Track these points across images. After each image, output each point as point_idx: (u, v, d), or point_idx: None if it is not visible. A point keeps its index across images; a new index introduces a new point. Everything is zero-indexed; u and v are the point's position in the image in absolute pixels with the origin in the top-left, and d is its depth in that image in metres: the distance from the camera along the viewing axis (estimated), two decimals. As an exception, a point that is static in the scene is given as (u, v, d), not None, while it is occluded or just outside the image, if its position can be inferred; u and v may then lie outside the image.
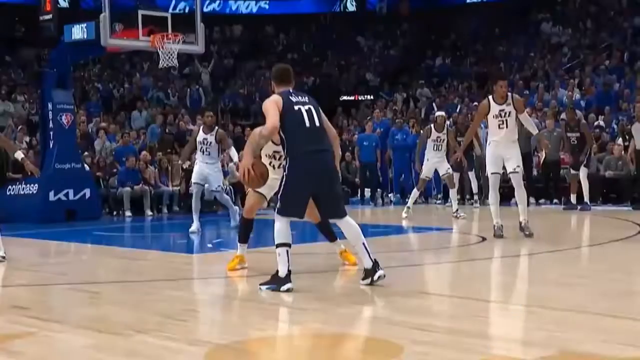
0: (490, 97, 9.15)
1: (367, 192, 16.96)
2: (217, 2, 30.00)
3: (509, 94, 9.16)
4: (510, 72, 22.77)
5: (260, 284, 5.86)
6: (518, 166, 9.04)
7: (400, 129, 16.93)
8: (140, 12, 13.07)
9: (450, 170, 12.66)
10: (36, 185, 13.04)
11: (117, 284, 6.89)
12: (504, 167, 9.23)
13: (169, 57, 13.09)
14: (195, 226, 10.60)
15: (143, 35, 12.96)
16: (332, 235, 7.06)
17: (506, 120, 8.94)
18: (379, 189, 16.88)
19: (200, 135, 10.82)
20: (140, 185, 14.75)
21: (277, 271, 5.77)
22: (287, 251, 5.77)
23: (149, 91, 23.39)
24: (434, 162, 12.52)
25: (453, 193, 12.89)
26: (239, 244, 6.98)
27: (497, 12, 28.15)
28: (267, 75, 27.75)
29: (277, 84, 6.10)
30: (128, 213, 14.41)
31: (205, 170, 10.73)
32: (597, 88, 20.14)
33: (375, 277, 5.87)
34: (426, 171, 12.64)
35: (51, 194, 13.03)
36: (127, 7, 14.08)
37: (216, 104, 23.20)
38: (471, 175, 14.96)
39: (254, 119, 23.94)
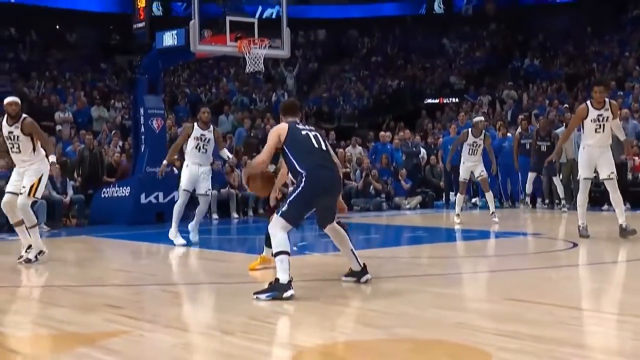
0: (588, 102, 9.28)
1: (452, 195, 16.75)
2: (303, 7, 30.26)
3: (607, 99, 9.26)
4: (602, 73, 22.07)
5: (256, 293, 5.74)
6: (612, 172, 9.09)
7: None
8: (228, 19, 13.31)
9: (485, 173, 12.63)
10: (128, 188, 13.47)
11: (204, 285, 7.05)
12: (595, 172, 9.23)
13: (256, 62, 13.27)
14: (180, 240, 9.93)
15: (230, 41, 13.20)
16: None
17: (603, 125, 9.07)
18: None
19: (197, 131, 10.05)
20: (227, 188, 15.04)
21: (277, 279, 5.73)
22: (288, 259, 5.79)
23: (235, 95, 23.83)
24: (469, 165, 12.53)
25: (489, 196, 12.79)
26: (265, 247, 7.15)
27: (588, 10, 27.35)
28: (353, 79, 27.87)
29: (284, 116, 6.40)
30: (215, 216, 14.69)
31: (196, 173, 9.98)
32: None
33: (363, 279, 6.24)
34: (463, 174, 12.66)
35: (142, 196, 13.40)
36: (216, 14, 14.36)
37: (300, 107, 23.41)
38: (556, 180, 14.61)
39: (337, 122, 24.05)
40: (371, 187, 16.61)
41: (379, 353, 4.37)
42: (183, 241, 9.89)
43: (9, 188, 8.68)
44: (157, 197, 13.43)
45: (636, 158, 14.54)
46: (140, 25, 14.01)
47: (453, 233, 11.93)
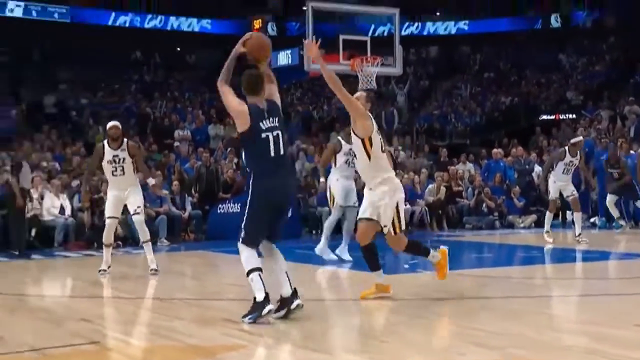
0: None
1: (568, 214, 16.24)
2: (415, 24, 30.25)
3: None
4: None
5: (242, 317, 5.65)
6: None
7: (605, 149, 16.11)
8: (342, 37, 13.60)
9: (576, 193, 12.29)
10: (241, 204, 13.82)
11: (319, 302, 7.14)
12: None
13: (368, 80, 13.45)
14: (331, 256, 9.86)
15: (343, 59, 13.45)
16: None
17: None
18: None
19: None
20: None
21: (254, 298, 5.60)
22: (260, 275, 5.63)
23: (346, 113, 24.04)
24: (560, 184, 12.17)
25: (577, 217, 12.37)
26: (374, 274, 6.70)
27: None
28: (465, 95, 27.57)
29: (247, 94, 5.89)
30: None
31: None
32: None
33: (293, 306, 5.70)
34: (553, 193, 12.31)
35: None
36: (329, 33, 14.65)
37: (411, 124, 23.39)
38: None
39: (449, 139, 23.83)
40: (484, 205, 16.36)
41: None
42: (334, 257, 9.91)
43: (111, 213, 9.02)
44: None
45: None
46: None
47: (570, 253, 11.57)
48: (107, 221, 9.03)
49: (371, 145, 6.40)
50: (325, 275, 9.38)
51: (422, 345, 5.19)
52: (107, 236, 9.02)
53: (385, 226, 6.40)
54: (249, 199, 5.71)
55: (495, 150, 18.56)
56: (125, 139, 9.12)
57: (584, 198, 14.62)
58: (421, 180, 16.57)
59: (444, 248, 6.92)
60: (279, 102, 5.97)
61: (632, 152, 15.87)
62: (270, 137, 5.70)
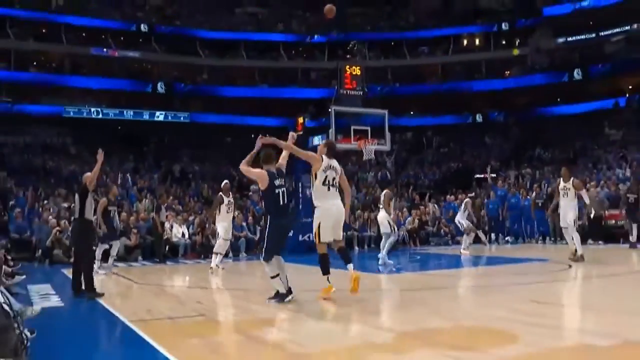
0: None
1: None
2: (398, 119, 30.31)
3: None
4: None
5: (268, 299, 5.51)
6: None
7: (513, 195, 15.98)
8: (353, 127, 13.92)
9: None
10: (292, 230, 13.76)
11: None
12: None
13: (369, 153, 13.79)
14: (389, 262, 9.01)
15: (354, 141, 13.77)
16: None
17: None
18: None
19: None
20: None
21: (278, 291, 5.51)
22: (280, 278, 5.48)
23: (356, 173, 24.20)
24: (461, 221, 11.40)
25: (465, 238, 11.76)
26: (325, 277, 5.65)
27: None
28: (429, 162, 27.43)
29: (264, 164, 5.63)
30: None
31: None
32: None
33: (287, 299, 5.41)
34: (468, 224, 11.81)
35: (299, 235, 13.31)
36: (345, 124, 14.93)
37: (397, 180, 23.37)
38: None
39: (420, 189, 23.62)
40: (442, 230, 16.15)
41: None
42: (391, 262, 9.07)
43: (226, 236, 9.56)
44: (308, 237, 12.94)
45: None
46: (299, 133, 14.75)
47: (482, 260, 11.08)
48: (224, 241, 9.55)
49: (315, 179, 5.69)
50: (336, 274, 9.15)
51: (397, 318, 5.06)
52: (223, 249, 9.56)
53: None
54: (267, 231, 5.52)
55: (448, 196, 18.50)
56: (230, 192, 9.84)
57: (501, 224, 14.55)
58: (403, 215, 16.56)
59: (356, 275, 5.53)
60: (284, 169, 5.77)
61: (527, 197, 15.78)
62: (280, 192, 5.52)
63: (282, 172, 5.71)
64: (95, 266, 8.79)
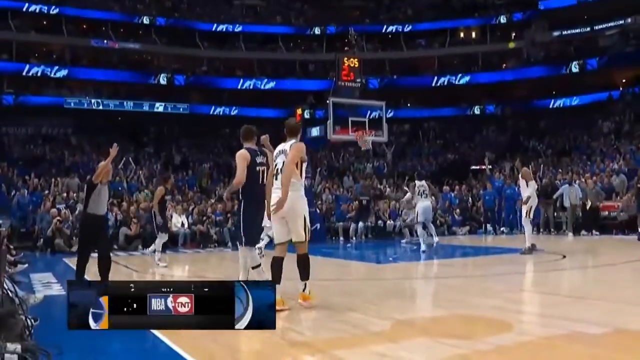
0: None
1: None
2: (395, 111, 30.35)
3: None
4: None
5: None
6: None
7: (509, 186, 15.67)
8: (350, 119, 13.92)
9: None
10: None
11: (334, 281, 6.91)
12: None
13: (367, 145, 13.80)
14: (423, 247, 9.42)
15: (351, 132, 13.77)
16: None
17: None
18: None
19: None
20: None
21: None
22: (262, 268, 4.99)
23: (354, 163, 24.20)
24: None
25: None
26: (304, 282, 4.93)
27: None
28: (426, 153, 27.46)
29: (244, 141, 5.21)
30: (341, 238, 14.61)
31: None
32: None
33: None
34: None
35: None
36: (342, 116, 14.94)
37: (394, 171, 23.40)
38: None
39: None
40: (437, 220, 16.14)
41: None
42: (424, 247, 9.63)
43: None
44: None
45: None
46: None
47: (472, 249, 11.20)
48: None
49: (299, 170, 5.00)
50: (335, 264, 9.33)
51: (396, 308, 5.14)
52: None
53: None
54: (242, 217, 4.98)
55: (445, 187, 18.55)
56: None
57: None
58: (400, 206, 16.55)
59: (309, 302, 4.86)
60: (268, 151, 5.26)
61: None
62: (261, 170, 5.05)
63: (264, 151, 5.28)
64: (156, 257, 8.53)
